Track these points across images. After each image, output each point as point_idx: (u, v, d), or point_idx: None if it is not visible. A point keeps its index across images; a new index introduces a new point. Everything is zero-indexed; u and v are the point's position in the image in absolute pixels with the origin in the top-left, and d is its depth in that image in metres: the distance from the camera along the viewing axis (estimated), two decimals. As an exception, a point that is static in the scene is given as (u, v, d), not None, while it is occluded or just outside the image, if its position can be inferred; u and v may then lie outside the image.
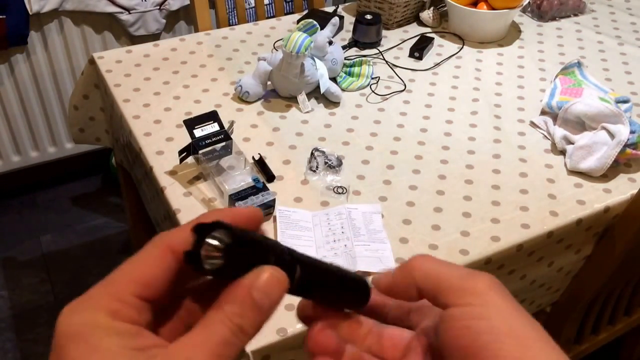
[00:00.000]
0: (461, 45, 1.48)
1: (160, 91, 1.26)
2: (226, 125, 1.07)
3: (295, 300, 0.33)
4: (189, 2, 1.92)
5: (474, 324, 0.30)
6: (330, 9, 1.57)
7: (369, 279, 0.37)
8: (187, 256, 0.28)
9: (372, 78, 1.32)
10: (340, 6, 1.60)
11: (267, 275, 0.29)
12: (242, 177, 1.01)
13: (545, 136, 1.20)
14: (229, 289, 0.28)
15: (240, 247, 0.28)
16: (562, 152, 1.15)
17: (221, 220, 0.28)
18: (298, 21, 1.48)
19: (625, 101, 1.19)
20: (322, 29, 1.25)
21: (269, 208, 0.98)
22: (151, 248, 0.30)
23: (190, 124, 1.04)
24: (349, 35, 1.48)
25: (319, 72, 1.22)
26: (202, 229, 0.28)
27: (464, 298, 0.31)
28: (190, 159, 1.06)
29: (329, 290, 0.35)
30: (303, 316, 0.36)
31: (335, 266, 0.35)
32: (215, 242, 0.27)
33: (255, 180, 1.01)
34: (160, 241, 0.30)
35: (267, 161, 1.08)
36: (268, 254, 0.29)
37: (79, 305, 0.27)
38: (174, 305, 0.32)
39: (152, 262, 0.29)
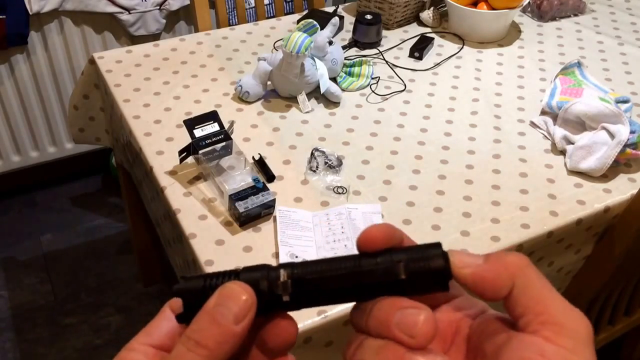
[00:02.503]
0: (461, 45, 1.48)
1: (160, 91, 1.26)
2: (226, 125, 1.07)
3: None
4: (189, 2, 1.92)
5: None
6: (330, 9, 1.57)
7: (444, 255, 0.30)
8: (177, 317, 0.31)
9: (372, 78, 1.32)
10: (340, 6, 1.60)
11: (226, 289, 0.29)
12: (242, 177, 1.01)
13: (545, 136, 1.20)
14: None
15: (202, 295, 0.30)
16: (562, 152, 1.15)
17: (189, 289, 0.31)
18: (298, 21, 1.48)
19: (625, 101, 1.19)
20: (322, 29, 1.25)
21: (269, 208, 0.98)
22: (160, 310, 0.35)
23: (190, 124, 1.04)
24: (349, 35, 1.48)
25: (319, 72, 1.22)
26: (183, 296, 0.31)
27: (560, 337, 0.28)
28: (190, 159, 1.06)
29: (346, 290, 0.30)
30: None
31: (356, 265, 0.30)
32: (181, 299, 0.31)
33: (255, 180, 1.01)
34: (167, 304, 0.34)
35: (267, 161, 1.08)
36: (235, 276, 0.31)
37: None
38: None
39: (157, 318, 0.34)
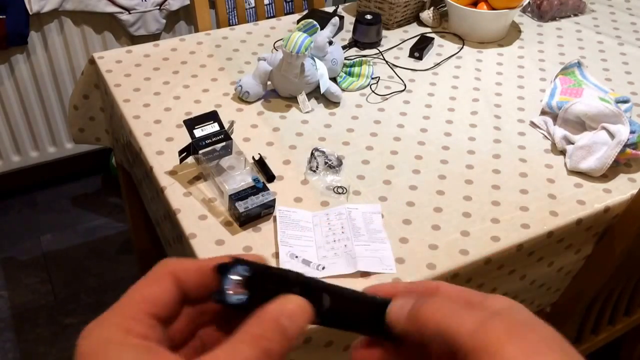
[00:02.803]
0: (461, 45, 1.48)
1: (160, 91, 1.26)
2: (226, 125, 1.07)
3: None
4: (189, 2, 1.92)
5: None
6: (330, 9, 1.57)
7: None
8: (213, 296, 0.30)
9: (372, 78, 1.32)
10: (340, 6, 1.60)
11: (294, 303, 0.30)
12: (242, 177, 1.01)
13: (545, 136, 1.20)
14: (255, 316, 0.29)
15: (263, 281, 0.31)
16: (562, 152, 1.15)
17: (240, 258, 0.31)
18: (298, 21, 1.48)
19: (625, 101, 1.19)
20: (322, 29, 1.25)
21: (269, 208, 0.98)
22: (155, 273, 0.32)
23: (190, 124, 1.04)
24: (349, 35, 1.48)
25: (319, 72, 1.22)
26: (223, 268, 0.31)
27: None
28: (190, 159, 1.06)
29: (356, 318, 0.34)
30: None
31: (362, 293, 0.35)
32: (238, 278, 0.30)
33: (255, 180, 1.01)
34: (164, 268, 0.32)
35: (267, 161, 1.08)
36: (291, 285, 0.31)
37: (95, 327, 0.29)
38: (187, 336, 0.33)
39: (157, 284, 0.31)
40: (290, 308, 0.30)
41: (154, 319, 0.30)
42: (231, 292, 0.30)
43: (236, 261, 0.31)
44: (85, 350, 0.28)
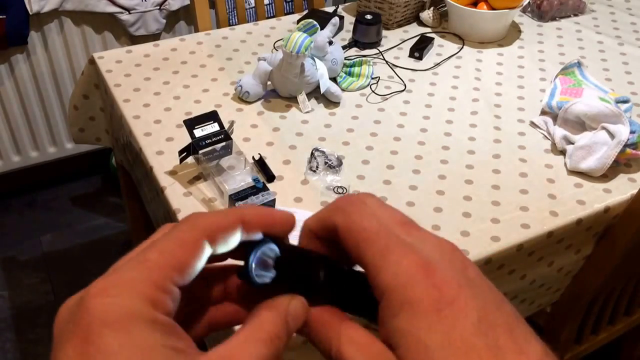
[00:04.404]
0: (461, 45, 1.48)
1: (160, 91, 1.26)
2: (226, 125, 1.07)
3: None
4: (189, 2, 1.92)
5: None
6: (330, 9, 1.57)
7: None
8: (238, 272, 0.30)
9: (372, 78, 1.32)
10: (340, 6, 1.60)
11: (301, 303, 0.29)
12: (242, 177, 1.01)
13: (545, 136, 1.20)
14: (268, 311, 0.28)
15: (289, 261, 0.30)
16: (562, 152, 1.15)
17: (269, 237, 0.30)
18: (298, 21, 1.48)
19: (625, 101, 1.19)
20: (322, 29, 1.25)
21: (269, 208, 0.98)
22: (187, 230, 0.27)
23: (190, 124, 1.04)
24: (349, 35, 1.48)
25: (319, 72, 1.22)
26: (250, 245, 0.30)
27: (400, 315, 0.25)
28: (190, 159, 1.06)
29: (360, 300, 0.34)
30: None
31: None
32: (267, 259, 0.29)
33: (255, 180, 1.01)
34: (196, 224, 0.27)
35: (267, 161, 1.08)
36: (317, 268, 0.31)
37: (115, 289, 0.24)
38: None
39: (189, 247, 0.26)
40: (296, 308, 0.29)
41: (177, 288, 0.26)
42: (257, 273, 0.29)
43: (264, 239, 0.30)
44: (104, 316, 0.23)
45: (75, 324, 0.24)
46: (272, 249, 0.30)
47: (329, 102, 1.26)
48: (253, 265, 0.29)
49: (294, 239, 0.32)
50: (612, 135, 1.08)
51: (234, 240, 0.29)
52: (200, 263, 0.27)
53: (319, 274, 0.30)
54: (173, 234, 0.27)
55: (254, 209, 0.30)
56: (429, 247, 0.28)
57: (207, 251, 0.27)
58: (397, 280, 0.26)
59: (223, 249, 0.28)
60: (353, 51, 1.43)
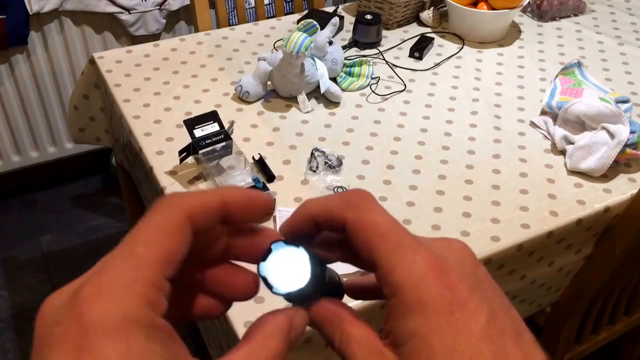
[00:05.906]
0: (461, 45, 1.48)
1: (160, 91, 1.26)
2: (226, 125, 1.07)
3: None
4: (189, 2, 1.92)
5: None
6: (330, 9, 1.57)
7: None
8: (260, 277, 0.29)
9: (372, 78, 1.32)
10: (340, 6, 1.60)
11: (303, 318, 0.29)
12: (242, 177, 1.01)
13: (545, 136, 1.20)
14: (272, 326, 0.28)
15: (317, 281, 0.30)
16: (562, 152, 1.15)
17: (291, 238, 0.31)
18: (298, 21, 1.48)
19: (625, 101, 1.19)
20: (322, 29, 1.25)
21: (269, 208, 0.98)
22: (169, 214, 0.25)
23: (191, 124, 1.04)
24: (349, 35, 1.48)
25: (319, 72, 1.22)
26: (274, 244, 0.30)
27: (411, 315, 0.25)
28: (190, 159, 1.06)
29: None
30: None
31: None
32: (300, 274, 0.29)
33: (255, 180, 1.01)
34: (177, 206, 0.26)
35: (267, 161, 1.08)
36: (339, 287, 0.32)
37: (110, 292, 0.22)
38: None
39: (175, 235, 0.25)
40: (299, 322, 0.29)
41: (168, 281, 0.24)
42: (278, 281, 0.29)
43: (287, 241, 0.30)
44: (100, 323, 0.21)
45: (66, 328, 0.22)
46: (303, 257, 0.30)
47: (329, 102, 1.26)
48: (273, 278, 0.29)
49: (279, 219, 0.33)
50: (612, 135, 1.08)
51: (215, 221, 0.27)
52: (186, 249, 0.26)
53: (340, 282, 0.32)
54: (156, 220, 0.25)
55: (234, 189, 0.29)
56: (439, 244, 0.28)
57: (190, 238, 0.26)
58: (411, 280, 0.26)
59: (204, 230, 0.27)
60: (353, 51, 1.43)
